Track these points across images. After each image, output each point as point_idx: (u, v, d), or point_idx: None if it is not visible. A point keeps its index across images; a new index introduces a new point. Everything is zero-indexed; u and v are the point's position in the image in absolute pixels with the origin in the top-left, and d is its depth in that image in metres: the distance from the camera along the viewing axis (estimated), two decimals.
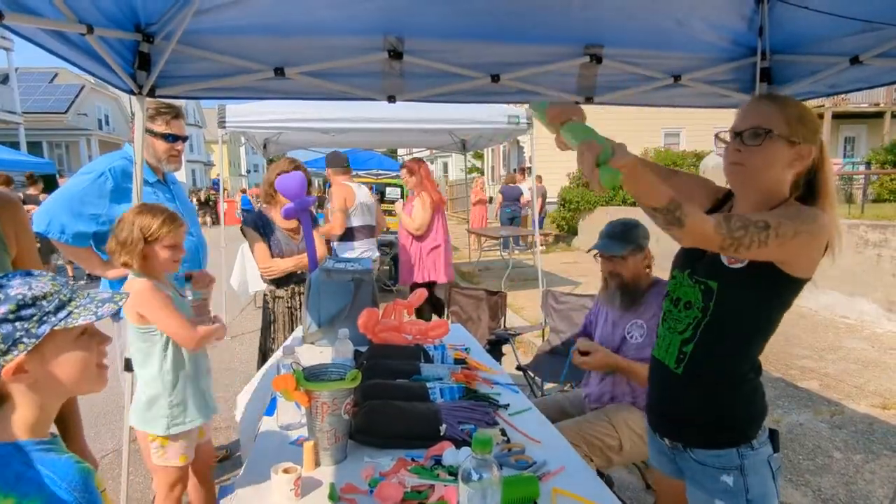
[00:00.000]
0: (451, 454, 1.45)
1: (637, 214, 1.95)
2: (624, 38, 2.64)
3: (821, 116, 16.97)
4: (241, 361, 5.13)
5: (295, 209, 2.93)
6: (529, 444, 1.63)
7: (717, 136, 1.43)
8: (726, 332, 1.35)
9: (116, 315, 1.77)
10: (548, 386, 3.46)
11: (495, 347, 3.66)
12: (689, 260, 1.45)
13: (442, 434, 1.59)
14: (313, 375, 1.60)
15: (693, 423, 1.40)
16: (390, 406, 1.68)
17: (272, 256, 3.11)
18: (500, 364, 3.16)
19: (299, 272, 3.13)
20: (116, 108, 27.98)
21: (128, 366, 2.19)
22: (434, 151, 17.79)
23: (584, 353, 2.30)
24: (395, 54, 2.50)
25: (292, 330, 3.08)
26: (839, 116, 17.84)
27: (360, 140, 8.69)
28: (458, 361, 2.25)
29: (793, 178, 1.33)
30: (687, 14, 2.52)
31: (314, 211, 3.42)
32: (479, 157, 24.55)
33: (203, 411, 2.04)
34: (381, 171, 12.49)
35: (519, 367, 3.44)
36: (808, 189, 1.34)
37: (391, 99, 2.69)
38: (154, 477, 2.07)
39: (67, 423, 1.49)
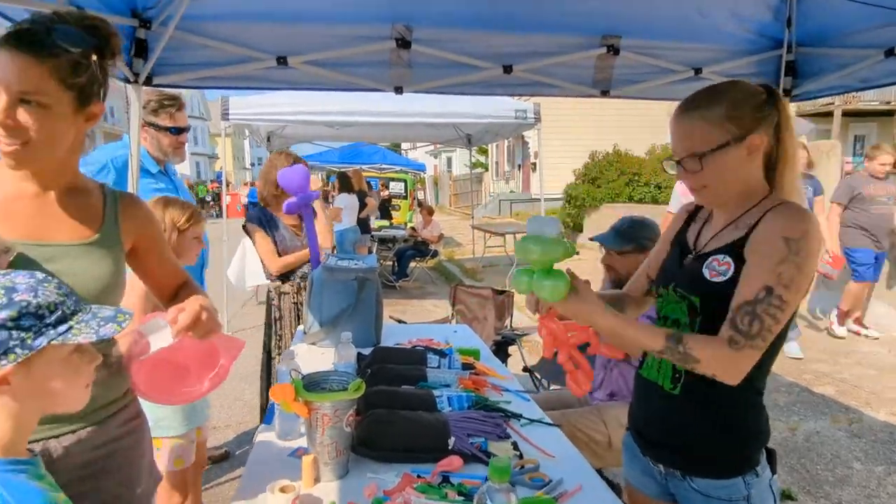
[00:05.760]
0: None
1: (648, 212, 1.85)
2: (643, 29, 2.53)
3: (830, 114, 16.75)
4: (241, 360, 5.02)
5: (297, 204, 2.83)
6: (543, 459, 1.52)
7: (663, 166, 1.36)
8: None
9: None
10: (554, 387, 3.36)
11: (501, 348, 3.56)
12: (671, 274, 1.34)
13: (450, 447, 1.49)
14: (314, 384, 1.50)
15: (695, 450, 1.27)
16: (395, 416, 1.57)
17: (277, 254, 3.01)
18: (507, 365, 3.06)
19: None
20: (121, 100, 27.85)
21: None
22: (438, 146, 17.65)
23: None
24: (404, 43, 2.39)
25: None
26: (849, 114, 17.60)
27: (365, 134, 8.60)
28: (466, 366, 2.14)
29: (763, 165, 1.23)
30: (710, 4, 2.41)
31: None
32: (484, 152, 24.40)
33: (190, 418, 1.95)
34: (385, 166, 12.41)
35: (525, 369, 3.35)
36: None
37: (398, 90, 2.58)
38: None
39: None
